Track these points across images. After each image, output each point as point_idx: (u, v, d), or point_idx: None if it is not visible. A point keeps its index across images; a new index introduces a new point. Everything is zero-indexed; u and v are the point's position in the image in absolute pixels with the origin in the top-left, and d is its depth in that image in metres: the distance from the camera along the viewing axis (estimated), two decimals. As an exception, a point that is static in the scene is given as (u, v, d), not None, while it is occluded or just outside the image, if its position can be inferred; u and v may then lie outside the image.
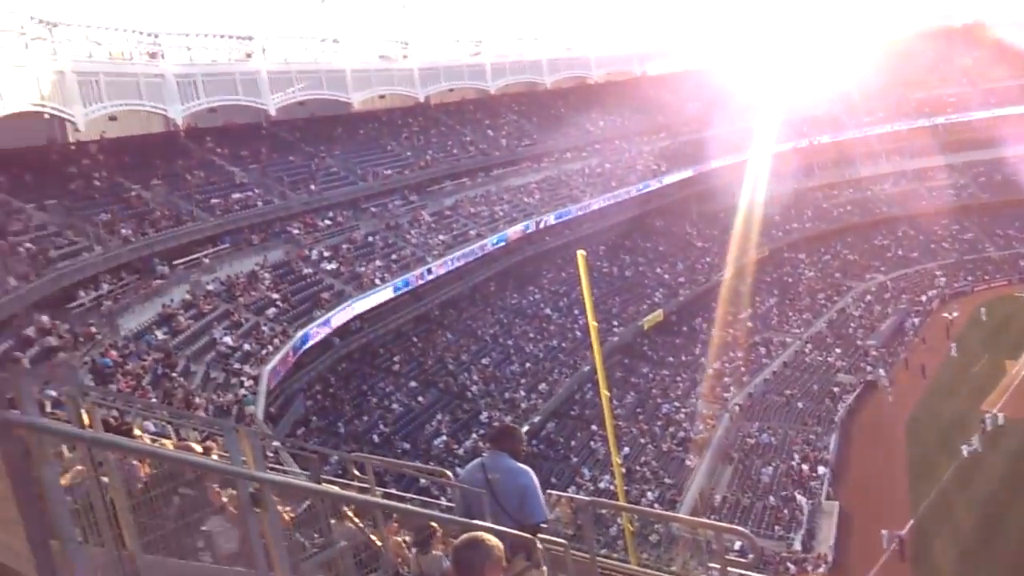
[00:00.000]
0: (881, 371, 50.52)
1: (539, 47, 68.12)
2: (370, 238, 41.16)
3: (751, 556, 17.01)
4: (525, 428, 35.28)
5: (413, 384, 37.23)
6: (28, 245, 23.57)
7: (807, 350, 53.85)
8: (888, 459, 39.97)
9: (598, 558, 6.43)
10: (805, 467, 38.78)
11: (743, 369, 49.93)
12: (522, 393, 39.06)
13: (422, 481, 23.06)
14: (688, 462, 39.44)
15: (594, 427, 38.98)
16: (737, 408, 45.56)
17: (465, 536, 3.76)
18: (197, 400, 21.30)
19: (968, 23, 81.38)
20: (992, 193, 74.32)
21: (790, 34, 78.91)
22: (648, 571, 11.43)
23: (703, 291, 57.25)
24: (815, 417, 44.64)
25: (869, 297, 63.54)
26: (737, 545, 19.71)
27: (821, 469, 38.69)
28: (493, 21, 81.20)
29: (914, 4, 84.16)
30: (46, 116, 31.23)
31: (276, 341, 27.78)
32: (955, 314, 59.51)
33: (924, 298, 63.71)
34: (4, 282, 20.64)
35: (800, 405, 46.14)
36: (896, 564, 31.06)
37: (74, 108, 31.86)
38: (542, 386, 40.31)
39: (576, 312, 47.65)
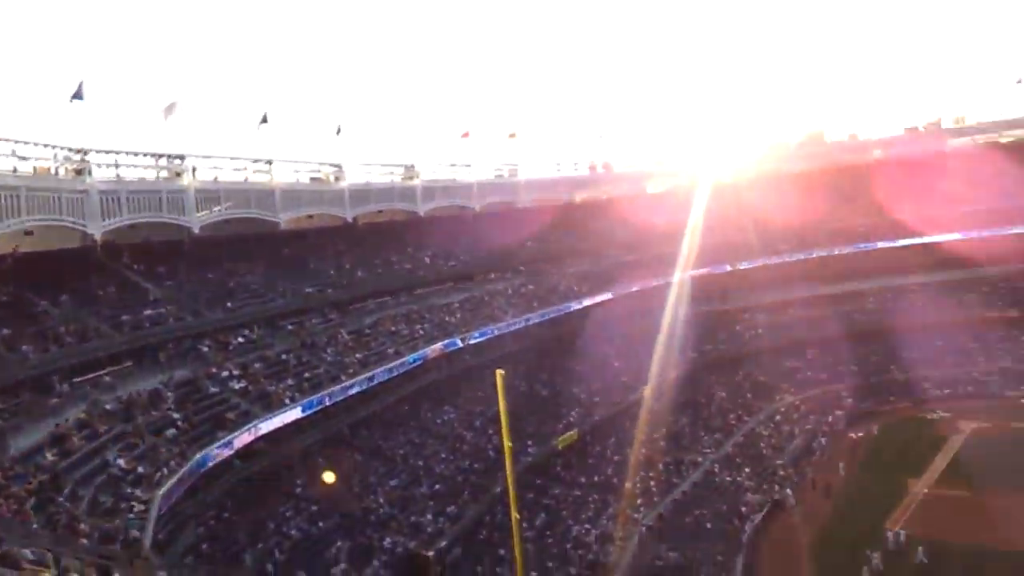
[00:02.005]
0: (788, 490, 51.68)
1: (470, 172, 70.79)
2: (283, 356, 41.36)
3: None
4: (429, 554, 35.15)
5: (314, 508, 36.56)
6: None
7: (716, 469, 54.89)
8: (794, 579, 40.65)
9: None
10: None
11: (654, 489, 50.52)
12: (429, 517, 38.82)
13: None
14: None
15: (502, 551, 38.80)
16: (645, 529, 45.91)
17: None
18: (82, 526, 21.05)
19: (877, 159, 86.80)
20: (895, 317, 77.94)
21: (709, 165, 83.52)
22: None
23: (618, 411, 58.30)
24: (723, 537, 45.20)
25: (778, 417, 65.40)
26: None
27: (727, 591, 39.08)
28: (424, 147, 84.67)
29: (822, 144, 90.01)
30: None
31: (172, 463, 27.50)
32: (860, 434, 61.70)
33: (831, 418, 65.80)
34: None
35: (709, 526, 46.72)
36: None
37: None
38: (451, 509, 40.10)
39: (491, 432, 48.06)
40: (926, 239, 78.77)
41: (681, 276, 72.24)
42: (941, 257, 78.49)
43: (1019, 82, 79.00)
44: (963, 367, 72.70)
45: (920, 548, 40.89)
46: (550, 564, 40.17)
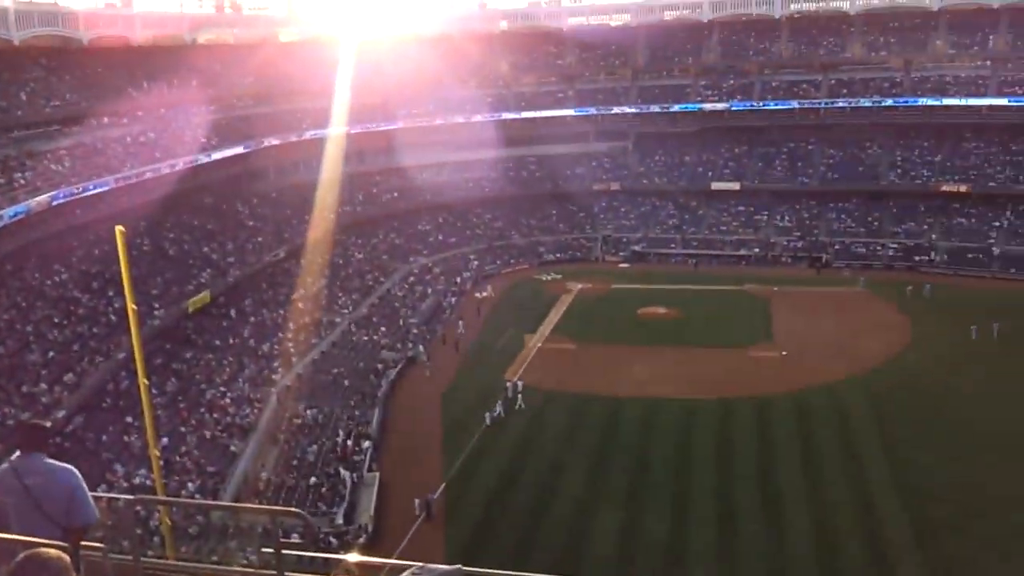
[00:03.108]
0: (421, 347, 54.27)
1: (79, -3, 60.83)
2: None
3: (297, 535, 17.00)
4: (47, 424, 31.54)
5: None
6: None
7: (354, 329, 55.84)
8: (425, 430, 43.10)
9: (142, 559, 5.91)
10: (349, 443, 40.21)
11: (292, 350, 50.09)
12: (43, 386, 34.83)
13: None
14: (233, 448, 38.58)
15: (129, 419, 36.16)
16: (285, 389, 45.64)
17: (22, 557, 3.18)
18: None
19: (505, 29, 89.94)
20: (518, 187, 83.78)
21: (353, 20, 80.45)
22: (192, 564, 10.80)
23: (253, 272, 56.27)
24: (360, 394, 46.44)
25: (412, 278, 67.88)
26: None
27: (364, 443, 40.37)
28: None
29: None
30: None
31: None
32: (487, 293, 66.34)
33: (459, 279, 69.86)
34: None
35: (347, 383, 47.65)
36: (427, 526, 33.68)
37: None
38: (68, 377, 36.30)
39: (111, 294, 43.74)
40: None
41: (326, 132, 70.23)
42: (556, 130, 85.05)
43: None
44: (572, 233, 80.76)
45: (520, 396, 45.29)
46: (183, 429, 38.39)
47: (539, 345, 55.28)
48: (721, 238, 77.67)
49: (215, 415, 40.56)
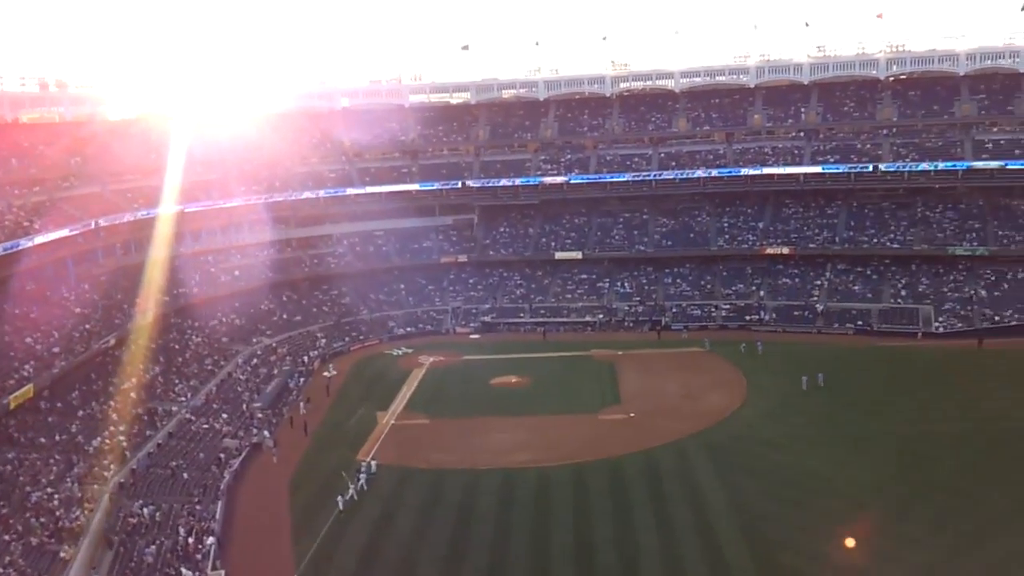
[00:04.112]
0: (266, 432, 51.97)
1: None
2: None
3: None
4: None
5: None
6: None
7: (193, 418, 52.89)
8: (273, 519, 40.97)
9: None
10: (191, 540, 37.62)
11: (125, 444, 46.78)
12: None
13: None
14: (62, 554, 35.24)
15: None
16: (118, 486, 42.40)
17: None
18: None
19: (347, 106, 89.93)
20: (365, 261, 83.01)
21: (186, 98, 78.38)
22: None
23: (81, 362, 52.50)
24: (201, 487, 43.74)
25: (255, 360, 65.35)
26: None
27: (208, 540, 37.86)
28: None
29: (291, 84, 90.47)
30: None
31: None
32: (335, 372, 64.66)
33: (306, 358, 67.86)
34: None
35: (186, 476, 44.80)
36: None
37: None
38: None
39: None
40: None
41: (158, 211, 67.34)
42: (402, 204, 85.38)
43: (464, 48, 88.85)
44: (422, 306, 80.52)
45: (362, 476, 44.17)
46: (6, 537, 34.80)
47: (392, 422, 54.21)
48: (567, 305, 79.48)
49: (42, 519, 37.03)
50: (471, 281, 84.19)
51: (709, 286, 79.00)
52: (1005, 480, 39.48)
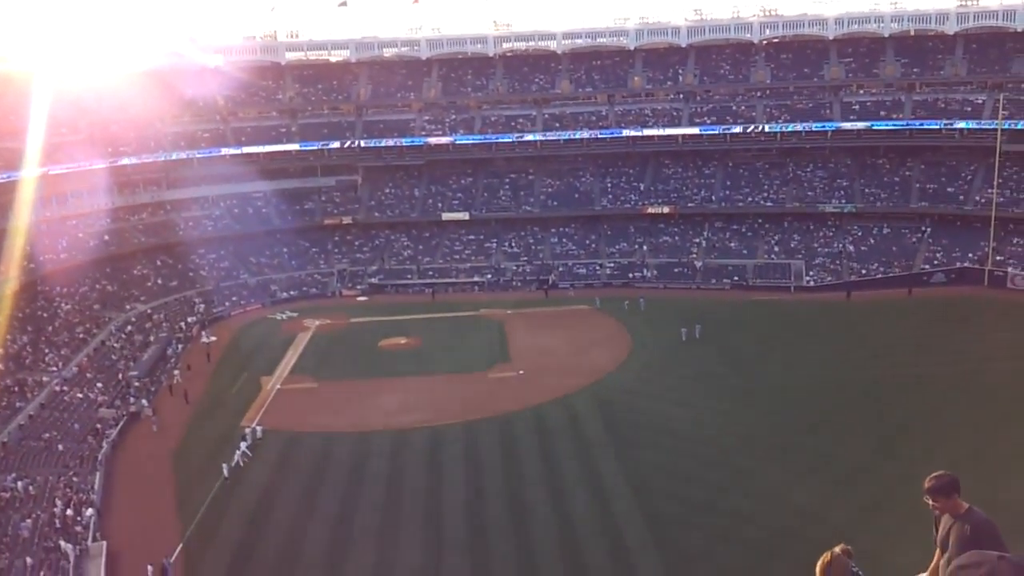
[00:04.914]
0: (144, 401, 50.17)
1: None
2: None
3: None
4: None
5: None
6: None
7: (66, 388, 50.45)
8: (156, 489, 39.78)
9: None
10: (69, 512, 36.10)
11: (-8, 417, 44.34)
12: None
13: None
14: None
15: None
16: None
17: None
18: None
19: (220, 64, 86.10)
20: (244, 224, 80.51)
21: (51, 54, 73.35)
22: None
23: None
24: (78, 458, 41.95)
25: (130, 327, 62.67)
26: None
27: (87, 511, 36.43)
28: None
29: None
30: None
31: None
32: (213, 338, 62.61)
33: (184, 324, 65.52)
34: None
35: (61, 447, 42.87)
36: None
37: None
38: None
39: None
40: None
41: (21, 175, 63.14)
42: (282, 165, 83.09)
43: (342, 4, 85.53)
44: (306, 269, 78.90)
45: (246, 442, 43.18)
46: None
47: (278, 387, 53.15)
48: (455, 266, 79.39)
49: None
50: (357, 243, 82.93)
51: (594, 245, 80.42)
52: (871, 427, 42.02)
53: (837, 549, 5.32)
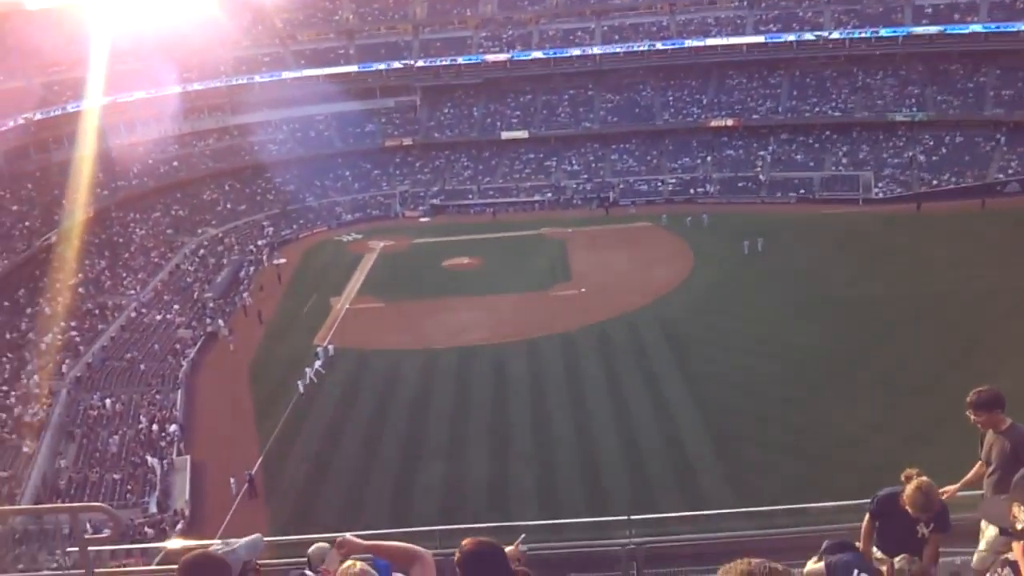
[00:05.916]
0: (220, 322, 52.05)
1: None
2: None
3: (108, 531, 16.02)
4: None
5: None
6: None
7: (144, 311, 52.59)
8: (234, 405, 41.58)
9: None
10: (154, 428, 38.17)
11: (78, 339, 46.56)
12: None
13: None
14: (25, 448, 35.59)
15: None
16: (76, 380, 42.47)
17: None
18: None
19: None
20: (307, 147, 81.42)
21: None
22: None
23: (23, 260, 51.51)
24: (159, 377, 44.06)
25: (203, 251, 64.63)
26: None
27: (171, 427, 38.47)
28: None
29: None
30: None
31: None
32: (283, 260, 64.30)
33: (254, 247, 67.25)
34: None
35: (143, 367, 45.03)
36: (248, 503, 32.69)
37: None
38: None
39: None
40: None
41: (90, 104, 64.54)
42: (341, 87, 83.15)
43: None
44: (368, 192, 79.76)
45: (320, 359, 44.77)
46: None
47: (346, 307, 54.55)
48: (515, 185, 79.35)
49: (2, 415, 37.19)
50: (417, 164, 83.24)
51: (655, 161, 79.34)
52: (942, 339, 41.28)
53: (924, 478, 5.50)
